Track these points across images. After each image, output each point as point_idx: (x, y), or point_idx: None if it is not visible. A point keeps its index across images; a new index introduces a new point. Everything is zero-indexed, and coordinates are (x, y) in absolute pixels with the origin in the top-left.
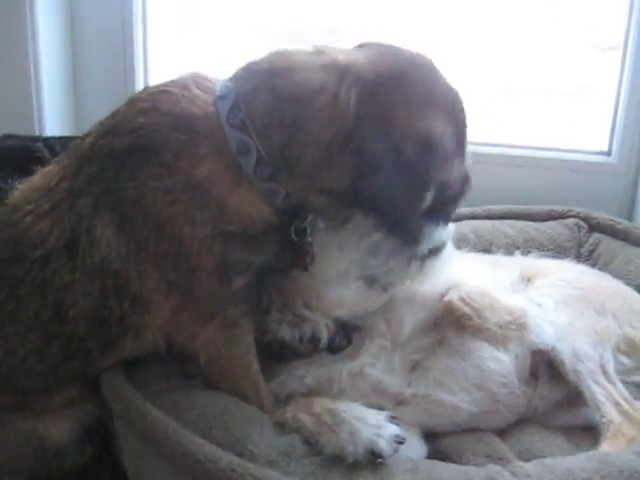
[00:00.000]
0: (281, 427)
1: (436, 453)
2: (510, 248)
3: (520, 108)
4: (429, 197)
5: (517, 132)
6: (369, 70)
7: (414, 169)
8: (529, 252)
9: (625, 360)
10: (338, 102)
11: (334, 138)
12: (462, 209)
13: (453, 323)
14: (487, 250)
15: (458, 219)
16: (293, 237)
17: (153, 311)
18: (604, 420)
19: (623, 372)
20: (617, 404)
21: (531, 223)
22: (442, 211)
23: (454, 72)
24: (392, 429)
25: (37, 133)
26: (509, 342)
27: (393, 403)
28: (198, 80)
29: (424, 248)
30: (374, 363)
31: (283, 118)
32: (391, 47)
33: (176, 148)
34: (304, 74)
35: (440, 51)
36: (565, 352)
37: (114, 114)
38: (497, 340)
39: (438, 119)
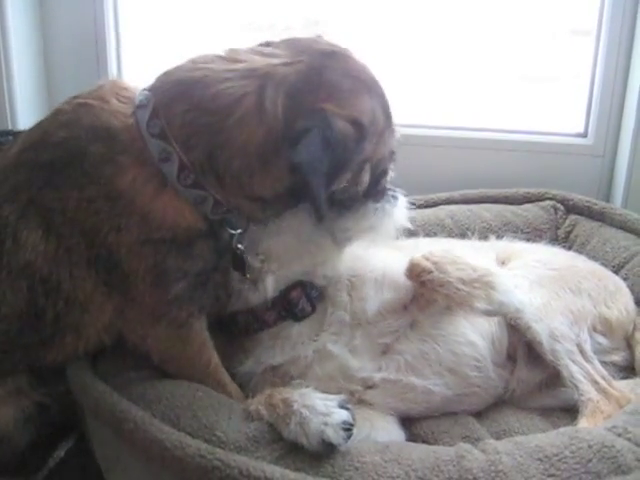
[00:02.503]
0: (250, 415)
1: (414, 438)
2: (487, 232)
3: (495, 92)
4: (367, 177)
5: (493, 116)
6: (289, 72)
7: (351, 150)
8: (506, 236)
9: (602, 340)
10: (263, 110)
11: (265, 145)
12: (439, 194)
13: (423, 304)
14: (463, 235)
15: (435, 204)
16: (234, 247)
17: (93, 310)
18: (583, 398)
19: (600, 352)
20: (595, 382)
21: (508, 206)
22: (376, 187)
23: (430, 58)
24: (340, 415)
25: (9, 127)
26: (475, 301)
27: (363, 387)
28: (117, 91)
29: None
30: (335, 340)
31: (205, 129)
32: (304, 41)
33: (97, 159)
34: (223, 85)
35: (416, 37)
36: (542, 332)
37: (38, 125)
38: (462, 299)
39: (364, 100)
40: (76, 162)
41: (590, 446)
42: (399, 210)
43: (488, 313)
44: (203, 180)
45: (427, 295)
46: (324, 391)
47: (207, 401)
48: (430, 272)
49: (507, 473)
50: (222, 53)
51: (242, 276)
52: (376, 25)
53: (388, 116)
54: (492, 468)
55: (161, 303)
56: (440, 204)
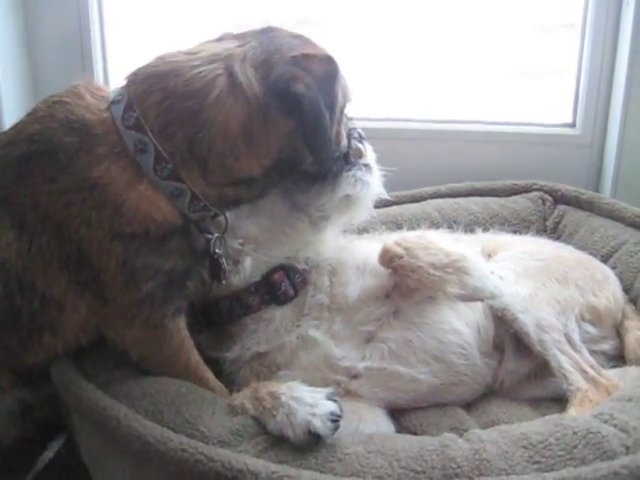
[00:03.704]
0: (234, 409)
1: (402, 430)
2: (474, 225)
3: (482, 85)
4: (344, 132)
5: (480, 108)
6: (246, 49)
7: (333, 86)
8: (493, 228)
9: (590, 329)
10: (237, 85)
11: (248, 120)
12: (426, 188)
13: (405, 292)
14: (451, 228)
15: (422, 198)
16: (212, 251)
17: (68, 309)
18: (571, 388)
19: (589, 341)
20: (584, 371)
21: (495, 199)
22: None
23: (418, 52)
24: (327, 406)
25: None
26: (447, 286)
27: (348, 377)
28: (91, 89)
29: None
30: (316, 325)
31: (182, 116)
32: (241, 30)
33: (70, 150)
34: (194, 71)
35: (403, 31)
36: (529, 323)
37: (15, 125)
38: (434, 284)
39: (318, 46)
40: (49, 154)
41: (575, 432)
42: (374, 178)
43: (462, 298)
44: (182, 171)
45: (400, 281)
46: (310, 382)
47: (191, 397)
48: (401, 257)
49: (491, 461)
50: (183, 49)
51: (218, 283)
52: (367, 21)
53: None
54: (476, 456)
55: (133, 303)
56: (427, 198)
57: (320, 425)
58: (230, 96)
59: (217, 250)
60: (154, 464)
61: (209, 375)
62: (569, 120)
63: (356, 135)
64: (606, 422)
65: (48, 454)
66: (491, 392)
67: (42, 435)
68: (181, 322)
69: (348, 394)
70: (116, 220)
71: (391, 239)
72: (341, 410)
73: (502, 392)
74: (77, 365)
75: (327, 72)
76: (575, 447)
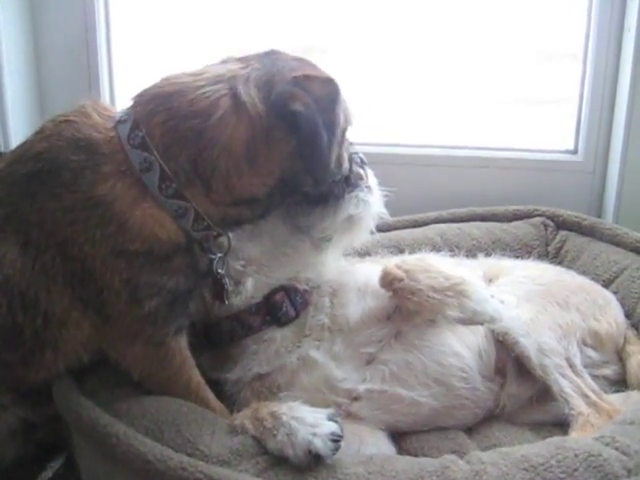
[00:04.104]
0: (234, 429)
1: (403, 453)
2: (476, 250)
3: (485, 111)
4: (346, 155)
5: (483, 135)
6: (249, 71)
7: (334, 108)
8: (495, 253)
9: (592, 354)
10: (241, 105)
11: (251, 139)
12: (428, 213)
13: (406, 315)
14: (452, 252)
15: (424, 224)
16: (215, 271)
17: (71, 327)
18: (573, 412)
19: (591, 365)
20: (585, 396)
21: (497, 224)
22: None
23: (420, 78)
24: (328, 427)
25: (2, 148)
26: (447, 309)
27: (349, 399)
28: (98, 109)
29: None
30: (317, 346)
31: (186, 136)
32: (243, 54)
33: (76, 168)
34: (198, 92)
35: (406, 57)
36: (530, 347)
37: (23, 143)
38: (434, 307)
39: (319, 69)
40: (55, 171)
41: (576, 455)
42: (375, 198)
43: (461, 321)
44: (186, 190)
45: (400, 303)
46: (311, 404)
47: (191, 416)
48: (401, 280)
49: None
50: (187, 71)
51: (221, 303)
52: (372, 48)
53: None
54: (476, 478)
55: (136, 320)
56: (429, 223)
57: (321, 445)
58: (234, 116)
59: (220, 270)
60: None
61: (210, 395)
62: (571, 147)
63: (357, 160)
64: (608, 445)
65: (47, 474)
66: (492, 416)
67: (41, 455)
68: (183, 341)
69: (349, 416)
70: (120, 237)
71: (392, 262)
72: (342, 431)
73: (503, 416)
74: (78, 383)
75: (328, 93)
76: (576, 470)
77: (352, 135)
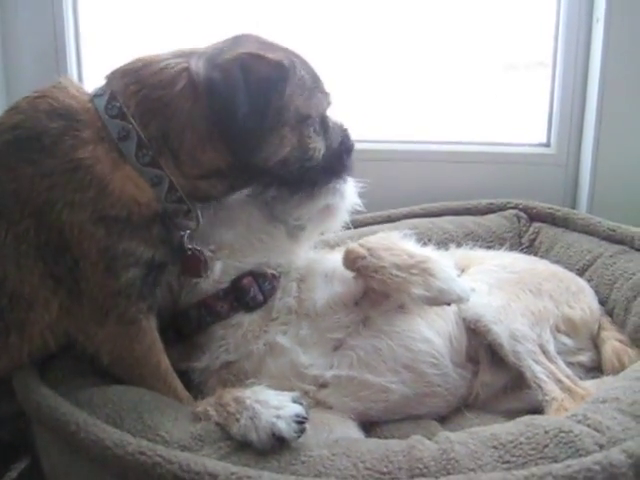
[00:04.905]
0: (197, 416)
1: None
2: (449, 243)
3: (457, 105)
4: (316, 141)
5: (456, 129)
6: (209, 47)
7: (271, 88)
8: (468, 245)
9: (567, 340)
10: (192, 78)
11: (211, 112)
12: (401, 209)
13: (374, 300)
14: (424, 245)
15: (396, 219)
16: (185, 247)
17: (38, 308)
18: (547, 398)
19: (566, 353)
20: (559, 381)
21: (470, 217)
22: (333, 166)
23: (391, 72)
24: (292, 408)
25: None
26: (412, 287)
27: (316, 386)
28: (74, 84)
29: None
30: (284, 331)
31: (156, 104)
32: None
33: (56, 134)
34: (163, 63)
35: (376, 50)
36: (502, 334)
37: None
38: (398, 285)
39: (280, 52)
40: (34, 138)
41: (547, 432)
42: (350, 189)
43: (427, 300)
44: (160, 159)
45: (365, 283)
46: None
47: (154, 404)
48: (364, 258)
49: (459, 460)
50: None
51: (197, 277)
52: (344, 44)
53: (315, 78)
54: (444, 457)
55: (110, 294)
56: (401, 218)
57: (285, 427)
58: (192, 90)
59: (189, 246)
60: (113, 469)
61: (178, 383)
62: (544, 140)
63: None
64: (580, 422)
65: (11, 474)
66: (466, 405)
67: (7, 455)
68: (153, 322)
69: (317, 404)
70: (100, 202)
71: (355, 243)
72: (307, 413)
73: (477, 405)
74: (40, 373)
75: (269, 75)
76: (546, 446)
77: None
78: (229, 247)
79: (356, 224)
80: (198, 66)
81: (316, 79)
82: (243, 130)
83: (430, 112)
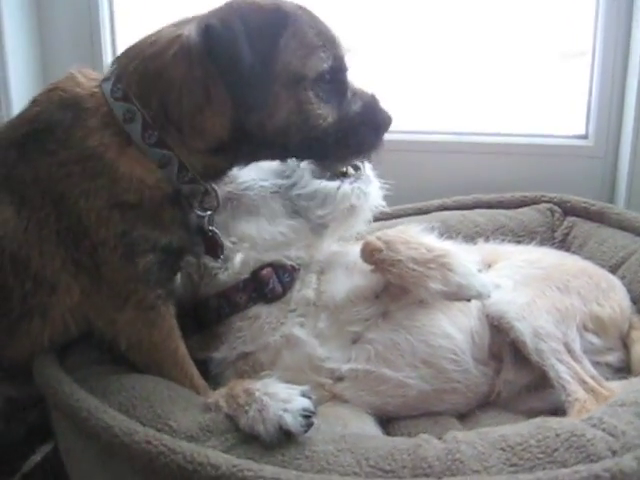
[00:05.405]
0: (208, 407)
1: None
2: (479, 236)
3: (494, 97)
4: (318, 106)
5: (492, 120)
6: (206, 13)
7: (271, 34)
8: (499, 239)
9: (594, 339)
10: (185, 41)
11: (205, 74)
12: (432, 201)
13: (396, 294)
14: (454, 239)
15: (428, 211)
16: (206, 228)
17: (60, 292)
18: (569, 399)
19: (593, 352)
20: (583, 382)
21: (502, 210)
22: (348, 140)
23: (425, 62)
24: (300, 402)
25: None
26: (429, 281)
27: (332, 379)
28: (84, 73)
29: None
30: (301, 323)
31: (153, 78)
32: None
33: (67, 125)
34: (159, 33)
35: (411, 40)
36: (525, 332)
37: (18, 113)
38: (416, 279)
39: (284, 3)
40: (49, 130)
41: (558, 435)
42: (374, 190)
43: (445, 296)
44: (167, 138)
45: (382, 276)
46: (294, 383)
47: (166, 393)
48: (381, 251)
49: (464, 462)
50: None
51: (215, 259)
52: (378, 32)
53: (323, 36)
54: (449, 457)
55: (128, 280)
56: (432, 211)
57: (291, 421)
58: (186, 54)
59: (211, 227)
60: (121, 456)
61: (194, 371)
62: (582, 131)
63: None
64: (594, 426)
65: (36, 458)
66: (487, 403)
67: (32, 438)
68: (171, 308)
69: (334, 397)
70: (113, 189)
71: (373, 235)
72: (315, 408)
73: (499, 403)
74: (60, 359)
75: (268, 20)
76: (556, 450)
77: None
78: (251, 240)
79: (386, 216)
80: (190, 29)
81: (325, 38)
82: (246, 79)
83: (466, 102)
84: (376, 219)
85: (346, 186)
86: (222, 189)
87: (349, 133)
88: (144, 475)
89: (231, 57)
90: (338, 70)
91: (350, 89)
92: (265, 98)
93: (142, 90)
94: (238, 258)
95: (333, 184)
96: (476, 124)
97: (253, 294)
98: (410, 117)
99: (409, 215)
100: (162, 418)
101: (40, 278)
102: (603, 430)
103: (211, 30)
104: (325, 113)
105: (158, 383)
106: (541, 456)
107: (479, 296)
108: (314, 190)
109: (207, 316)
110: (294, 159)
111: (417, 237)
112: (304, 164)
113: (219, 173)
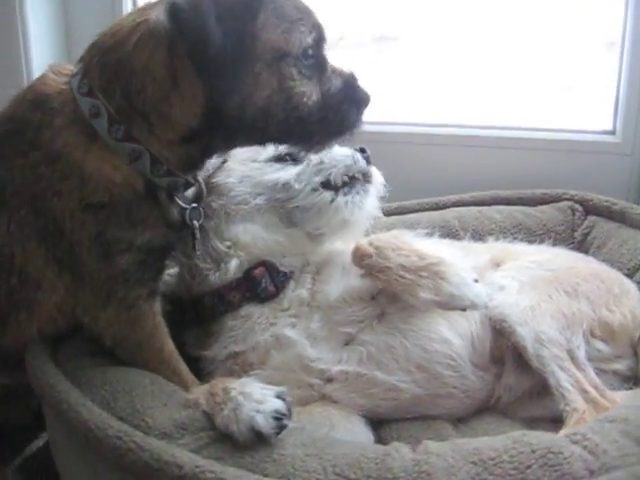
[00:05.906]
0: (187, 403)
1: (381, 441)
2: (496, 234)
3: (519, 91)
4: (301, 83)
5: (518, 115)
6: None
7: (238, 16)
8: (516, 238)
9: (602, 346)
10: (152, 25)
11: (169, 57)
12: (449, 196)
13: (393, 296)
14: (472, 237)
15: (445, 206)
16: (189, 223)
17: (46, 288)
18: (568, 408)
19: (600, 359)
20: (584, 391)
21: (521, 208)
22: (329, 119)
23: (454, 57)
24: (273, 404)
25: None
26: (420, 290)
27: (322, 380)
28: (57, 69)
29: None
30: (293, 324)
31: (114, 69)
32: None
33: (35, 125)
34: (121, 22)
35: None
36: (527, 336)
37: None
38: (405, 287)
39: None
40: (20, 132)
41: (533, 451)
42: (370, 200)
43: (438, 305)
44: (134, 130)
45: (373, 281)
46: (283, 384)
47: (149, 388)
48: (370, 257)
49: (432, 474)
50: None
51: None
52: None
53: (300, 9)
54: (416, 469)
55: (107, 280)
56: (450, 206)
57: (263, 422)
58: (150, 39)
59: (195, 222)
60: (94, 450)
61: (183, 367)
62: (609, 127)
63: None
64: (576, 442)
65: (38, 443)
66: (486, 408)
67: (37, 424)
68: (156, 306)
69: (323, 398)
70: (83, 189)
71: (366, 239)
72: (289, 410)
73: (499, 408)
74: (52, 351)
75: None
76: (529, 467)
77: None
78: (245, 247)
79: (402, 210)
80: (158, 12)
81: (302, 11)
82: (218, 61)
83: (491, 96)
84: (392, 213)
85: (340, 199)
86: (216, 202)
87: (331, 111)
88: (116, 470)
89: (199, 38)
90: (319, 43)
91: (331, 66)
92: (243, 79)
93: (105, 82)
94: (233, 264)
95: (327, 197)
96: (498, 118)
97: (247, 293)
98: (431, 110)
99: (425, 210)
100: (140, 413)
101: (25, 274)
102: (584, 447)
103: (176, 9)
104: (309, 91)
105: (143, 377)
106: (513, 472)
107: (473, 306)
108: (309, 203)
109: (203, 313)
110: (272, 144)
111: (410, 243)
112: (294, 172)
113: (197, 163)
